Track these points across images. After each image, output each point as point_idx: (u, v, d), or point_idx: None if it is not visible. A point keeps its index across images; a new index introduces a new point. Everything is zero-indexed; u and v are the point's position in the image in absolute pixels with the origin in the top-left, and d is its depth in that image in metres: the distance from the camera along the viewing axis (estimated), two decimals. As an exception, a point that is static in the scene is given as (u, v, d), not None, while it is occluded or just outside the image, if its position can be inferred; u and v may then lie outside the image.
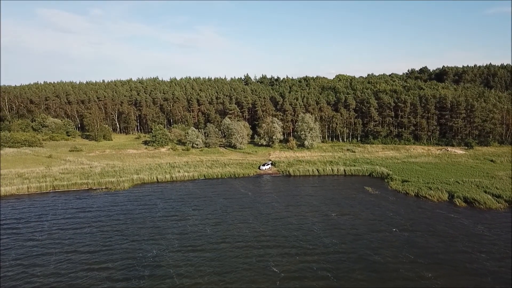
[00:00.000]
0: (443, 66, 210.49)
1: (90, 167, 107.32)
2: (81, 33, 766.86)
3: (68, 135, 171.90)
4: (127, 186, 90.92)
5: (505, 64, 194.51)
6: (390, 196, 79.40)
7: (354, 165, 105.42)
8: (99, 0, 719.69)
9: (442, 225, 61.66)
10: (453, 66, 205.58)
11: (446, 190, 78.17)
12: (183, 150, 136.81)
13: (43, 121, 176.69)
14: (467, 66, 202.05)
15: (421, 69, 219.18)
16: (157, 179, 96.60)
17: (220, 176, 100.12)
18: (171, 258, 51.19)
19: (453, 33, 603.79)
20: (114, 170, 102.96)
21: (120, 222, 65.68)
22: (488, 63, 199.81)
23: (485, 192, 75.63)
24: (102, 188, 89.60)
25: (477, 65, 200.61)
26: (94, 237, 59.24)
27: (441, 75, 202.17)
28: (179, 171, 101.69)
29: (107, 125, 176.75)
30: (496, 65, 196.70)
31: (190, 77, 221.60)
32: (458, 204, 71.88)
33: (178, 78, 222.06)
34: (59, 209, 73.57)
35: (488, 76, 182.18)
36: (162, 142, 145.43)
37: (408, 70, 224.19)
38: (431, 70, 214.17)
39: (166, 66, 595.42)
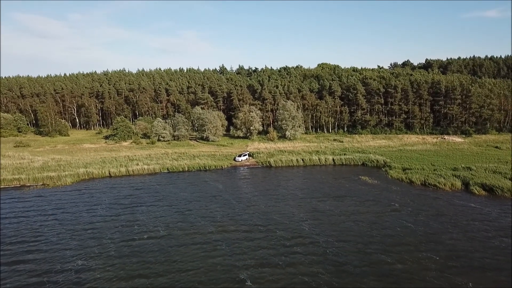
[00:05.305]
0: (427, 59, 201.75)
1: (31, 162, 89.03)
2: (60, 38, 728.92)
3: (19, 131, 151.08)
4: (70, 181, 73.27)
5: (489, 56, 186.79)
6: (392, 185, 65.29)
7: (345, 154, 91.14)
8: (78, 0, 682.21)
9: (464, 218, 47.88)
10: (437, 58, 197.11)
11: (458, 177, 64.91)
12: (147, 143, 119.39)
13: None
14: (451, 58, 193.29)
15: (404, 62, 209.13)
16: (109, 173, 79.38)
17: (187, 169, 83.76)
18: (99, 270, 35.05)
19: (434, 33, 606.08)
20: (58, 164, 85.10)
21: (47, 222, 48.85)
22: (472, 55, 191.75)
23: (506, 178, 62.66)
24: (37, 185, 71.88)
25: (461, 57, 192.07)
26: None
27: (425, 68, 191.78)
28: (137, 164, 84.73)
29: (64, 120, 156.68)
30: (481, 57, 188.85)
31: (160, 68, 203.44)
32: (476, 192, 58.50)
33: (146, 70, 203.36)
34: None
35: (474, 67, 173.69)
36: (124, 135, 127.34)
37: (391, 64, 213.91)
38: (414, 64, 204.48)
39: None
